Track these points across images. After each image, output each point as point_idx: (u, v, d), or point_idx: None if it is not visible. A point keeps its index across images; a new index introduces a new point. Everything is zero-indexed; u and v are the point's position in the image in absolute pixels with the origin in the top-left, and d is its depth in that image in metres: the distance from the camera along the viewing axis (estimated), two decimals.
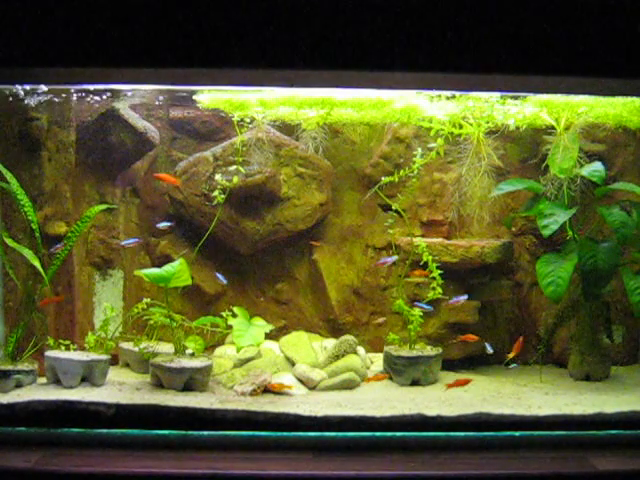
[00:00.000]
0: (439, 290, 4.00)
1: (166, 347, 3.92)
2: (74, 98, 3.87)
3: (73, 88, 3.71)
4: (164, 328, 3.95)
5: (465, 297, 3.94)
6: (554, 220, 3.81)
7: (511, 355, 3.82)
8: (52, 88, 3.67)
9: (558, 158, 3.96)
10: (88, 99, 3.93)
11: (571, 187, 4.02)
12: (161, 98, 4.27)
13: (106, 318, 3.84)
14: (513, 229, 4.49)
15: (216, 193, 4.08)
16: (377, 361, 4.17)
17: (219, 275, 4.08)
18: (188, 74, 2.83)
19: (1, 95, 3.70)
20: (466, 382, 3.61)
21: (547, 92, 3.54)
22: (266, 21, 2.60)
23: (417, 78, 2.83)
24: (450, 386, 3.60)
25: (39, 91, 3.69)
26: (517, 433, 3.15)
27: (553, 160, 3.98)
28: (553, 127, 4.05)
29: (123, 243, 4.09)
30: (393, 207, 4.11)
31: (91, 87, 3.64)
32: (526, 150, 4.48)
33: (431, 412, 3.21)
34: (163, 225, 4.09)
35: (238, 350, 3.79)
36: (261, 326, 3.88)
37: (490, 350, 3.95)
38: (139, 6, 2.59)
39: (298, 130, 4.25)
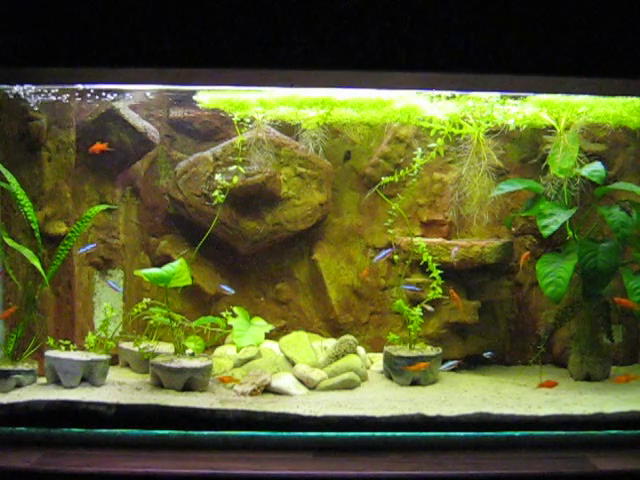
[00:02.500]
0: (439, 290, 4.00)
1: (166, 347, 3.92)
2: (74, 98, 3.87)
3: (73, 88, 3.71)
4: (164, 328, 3.95)
5: (389, 250, 4.02)
6: (554, 220, 3.81)
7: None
8: (52, 88, 3.67)
9: (558, 158, 3.96)
10: (89, 99, 3.93)
11: (571, 187, 4.02)
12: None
13: (106, 318, 3.84)
14: (513, 229, 4.49)
15: (216, 193, 4.08)
16: (377, 361, 4.17)
17: (225, 287, 4.06)
18: (188, 74, 2.83)
19: (1, 95, 3.70)
20: (554, 384, 3.71)
21: (547, 92, 3.54)
22: (266, 21, 2.60)
23: (417, 78, 2.83)
24: (541, 385, 3.68)
25: (39, 91, 3.69)
26: (517, 433, 3.15)
27: (553, 160, 3.98)
28: (553, 127, 4.05)
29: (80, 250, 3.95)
30: (393, 207, 4.11)
31: (91, 87, 3.63)
32: (526, 150, 4.48)
33: (431, 412, 3.21)
34: (84, 250, 3.91)
35: (238, 350, 3.79)
36: (261, 326, 3.88)
37: (488, 355, 4.00)
38: (139, 6, 2.60)
39: (298, 130, 4.25)
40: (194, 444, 3.07)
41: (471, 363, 4.25)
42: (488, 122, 3.99)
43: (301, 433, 3.12)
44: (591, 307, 4.04)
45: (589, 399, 3.53)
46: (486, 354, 4.03)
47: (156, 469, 2.80)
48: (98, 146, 3.89)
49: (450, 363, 3.81)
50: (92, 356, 3.64)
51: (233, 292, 4.09)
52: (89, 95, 3.85)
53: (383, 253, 4.00)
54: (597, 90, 3.17)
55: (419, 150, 4.04)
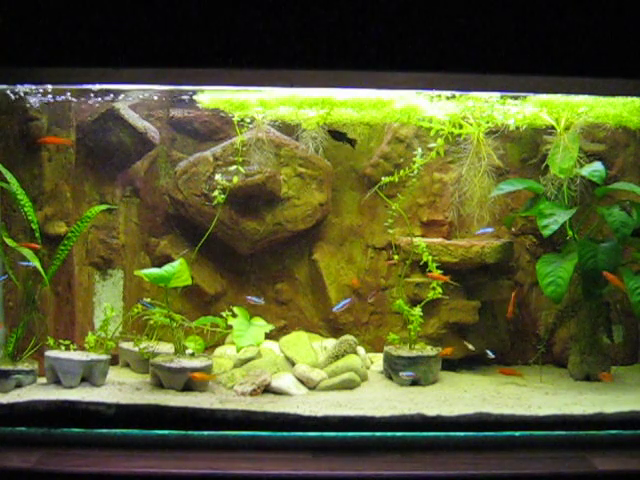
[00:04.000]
0: (439, 290, 4.00)
1: (166, 347, 3.92)
2: (74, 98, 3.87)
3: (73, 88, 3.70)
4: (164, 328, 3.95)
5: (348, 301, 4.02)
6: (554, 220, 3.81)
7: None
8: (52, 88, 3.67)
9: (558, 158, 3.96)
10: (90, 99, 3.93)
11: (571, 187, 4.02)
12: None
13: (106, 318, 3.84)
14: (513, 229, 4.49)
15: (216, 193, 4.08)
16: (377, 361, 4.17)
17: (254, 298, 4.04)
18: (188, 74, 2.83)
19: (1, 95, 3.70)
20: (513, 373, 3.96)
21: (547, 92, 3.54)
22: (266, 21, 2.60)
23: (417, 78, 2.83)
24: (502, 371, 3.97)
25: (39, 91, 3.69)
26: (517, 433, 3.15)
27: (553, 160, 3.98)
28: (553, 127, 4.05)
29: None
30: (393, 207, 4.11)
31: (91, 87, 3.63)
32: (526, 150, 4.48)
33: (431, 412, 3.21)
34: (28, 264, 3.57)
35: (238, 350, 3.79)
36: (261, 326, 3.88)
37: (492, 355, 4.06)
38: (139, 6, 2.60)
39: (298, 130, 4.25)
40: (194, 444, 3.07)
41: (471, 363, 4.25)
42: (488, 122, 3.99)
43: (301, 433, 3.12)
44: (591, 307, 4.04)
45: (589, 399, 3.53)
46: (465, 342, 4.05)
47: (156, 469, 2.80)
48: (52, 138, 3.80)
49: (408, 373, 3.78)
50: (92, 356, 3.64)
51: (262, 302, 4.06)
52: (90, 95, 3.85)
53: (342, 303, 4.00)
54: (597, 90, 3.17)
55: (419, 150, 4.04)
